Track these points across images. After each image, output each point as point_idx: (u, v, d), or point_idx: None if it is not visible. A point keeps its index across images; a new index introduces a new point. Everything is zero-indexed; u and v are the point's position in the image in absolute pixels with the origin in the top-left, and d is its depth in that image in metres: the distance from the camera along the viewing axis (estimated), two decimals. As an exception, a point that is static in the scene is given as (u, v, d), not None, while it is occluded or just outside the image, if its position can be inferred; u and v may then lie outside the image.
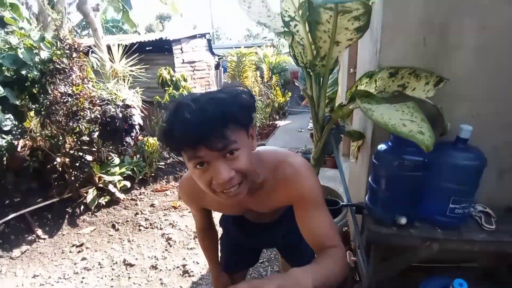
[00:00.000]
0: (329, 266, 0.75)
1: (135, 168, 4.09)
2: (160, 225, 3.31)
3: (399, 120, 1.16)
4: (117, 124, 3.66)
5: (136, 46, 5.53)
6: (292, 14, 1.46)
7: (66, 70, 3.19)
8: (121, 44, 5.07)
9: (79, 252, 2.92)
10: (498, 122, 1.71)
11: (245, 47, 6.17)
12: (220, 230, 1.45)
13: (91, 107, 3.43)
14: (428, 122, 1.18)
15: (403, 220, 1.56)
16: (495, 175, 1.83)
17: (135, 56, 5.11)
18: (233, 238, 1.42)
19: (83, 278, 2.59)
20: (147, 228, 3.28)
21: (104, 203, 3.61)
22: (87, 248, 2.97)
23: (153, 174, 4.37)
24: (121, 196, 3.77)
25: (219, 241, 1.43)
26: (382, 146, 1.60)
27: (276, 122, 8.12)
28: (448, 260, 1.86)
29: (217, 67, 8.60)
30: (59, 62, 3.16)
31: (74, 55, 3.28)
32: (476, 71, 1.64)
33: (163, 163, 4.70)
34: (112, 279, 2.56)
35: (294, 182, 0.88)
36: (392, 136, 1.57)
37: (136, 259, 2.77)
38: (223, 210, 1.19)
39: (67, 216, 3.42)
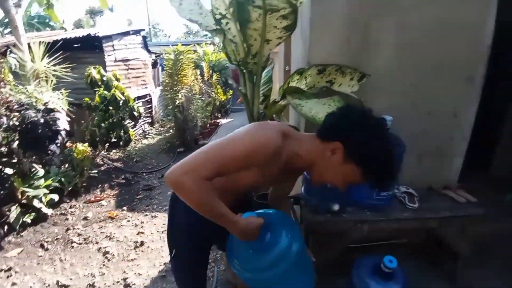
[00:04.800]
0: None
1: (63, 179, 3.70)
2: (96, 239, 3.05)
3: (326, 114, 1.23)
4: (39, 131, 3.29)
5: (60, 43, 5.02)
6: (223, 12, 1.45)
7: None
8: (43, 42, 4.54)
9: (8, 277, 2.56)
10: (415, 112, 1.94)
11: (183, 44, 5.98)
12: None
13: (8, 113, 3.02)
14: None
15: (336, 207, 1.68)
16: (415, 159, 2.07)
17: (59, 54, 4.61)
18: (204, 238, 1.21)
19: (12, 305, 2.28)
20: (80, 244, 2.99)
21: (29, 221, 3.20)
22: (16, 272, 2.61)
23: (85, 184, 4.01)
24: (48, 211, 3.38)
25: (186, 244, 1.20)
26: (314, 140, 1.69)
27: (218, 121, 8.08)
28: (380, 239, 2.04)
29: (154, 65, 8.23)
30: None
31: (-12, 56, 2.86)
32: (395, 67, 1.83)
33: (96, 171, 4.35)
34: (44, 304, 2.30)
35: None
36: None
37: (71, 279, 2.51)
38: (266, 175, 1.04)
39: (-10, 239, 2.98)
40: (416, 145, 2.00)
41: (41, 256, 2.85)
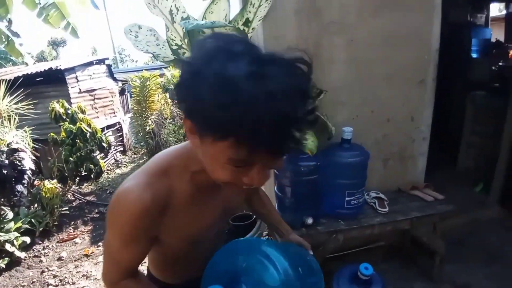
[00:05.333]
0: None
1: (33, 220, 3.53)
2: (72, 279, 2.90)
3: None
4: (5, 172, 3.15)
5: (21, 79, 4.86)
6: (179, 43, 1.49)
7: None
8: (4, 80, 4.37)
9: None
10: (374, 120, 2.04)
11: (151, 69, 5.97)
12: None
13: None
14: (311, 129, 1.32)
15: (310, 220, 1.71)
16: (381, 164, 2.16)
17: (20, 91, 4.45)
18: None
19: None
20: (57, 286, 2.84)
21: (3, 266, 3.04)
22: None
23: (56, 223, 3.84)
24: (21, 254, 3.21)
25: None
26: (281, 156, 1.73)
27: (194, 142, 8.01)
28: (357, 245, 2.08)
29: (122, 92, 8.09)
30: None
31: None
32: (350, 80, 1.92)
33: (67, 208, 4.16)
34: None
35: None
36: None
37: (48, 324, 2.38)
38: (197, 221, 0.76)
39: (-39, 290, 2.77)
40: (380, 151, 2.10)
41: (16, 304, 2.67)
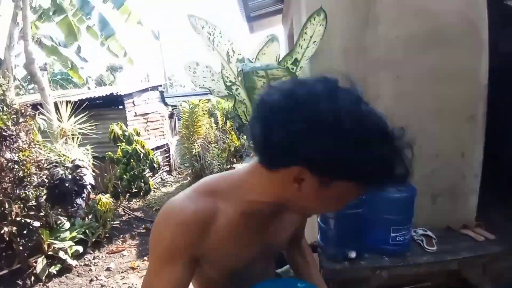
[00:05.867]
0: None
1: (87, 231, 3.86)
2: (118, 290, 3.10)
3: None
4: (67, 186, 3.50)
5: (86, 102, 5.42)
6: (232, 80, 1.65)
7: (13, 136, 3.06)
8: (70, 101, 4.94)
9: None
10: (422, 154, 1.99)
11: (197, 94, 6.37)
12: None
13: (38, 171, 3.27)
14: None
15: (353, 254, 1.69)
16: (430, 200, 2.09)
17: (85, 113, 5.00)
18: None
19: None
20: (104, 295, 3.05)
21: (55, 272, 3.30)
22: None
23: (107, 235, 4.14)
24: (73, 262, 3.49)
25: None
26: (325, 189, 1.76)
27: (234, 165, 8.23)
28: (402, 283, 1.99)
29: (171, 116, 8.68)
30: (5, 129, 3.03)
31: (21, 120, 3.18)
32: (396, 115, 1.86)
33: (118, 222, 4.48)
34: None
35: None
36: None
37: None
38: (239, 251, 0.74)
39: (18, 289, 3.08)
40: (428, 186, 2.03)
41: (66, 308, 2.89)
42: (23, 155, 3.14)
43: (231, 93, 1.66)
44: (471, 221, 2.09)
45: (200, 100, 5.88)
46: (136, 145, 4.54)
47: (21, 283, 3.16)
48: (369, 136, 0.51)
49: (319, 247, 1.86)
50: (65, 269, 3.44)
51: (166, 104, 8.08)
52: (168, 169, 7.88)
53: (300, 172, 0.55)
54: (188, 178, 6.45)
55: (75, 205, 3.69)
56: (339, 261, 1.70)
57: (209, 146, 6.07)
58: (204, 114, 5.92)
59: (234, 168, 7.86)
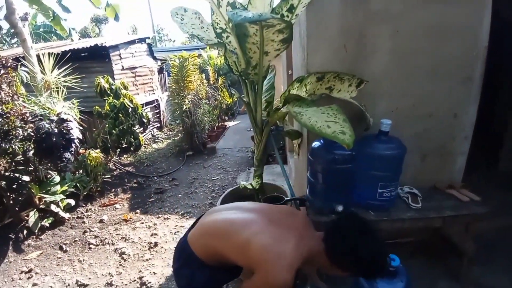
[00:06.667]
0: None
1: (78, 184, 3.87)
2: (112, 240, 3.18)
3: (324, 122, 1.29)
4: (54, 140, 3.43)
5: (69, 54, 5.17)
6: (223, 26, 1.53)
7: (-6, 88, 2.91)
8: (52, 54, 4.69)
9: (28, 278, 2.71)
10: (416, 113, 1.98)
11: (188, 49, 6.09)
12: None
13: (23, 125, 3.17)
14: (349, 122, 1.33)
15: (340, 208, 1.73)
16: (419, 159, 2.11)
17: (69, 65, 4.77)
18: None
19: (34, 305, 2.42)
20: (97, 245, 3.13)
21: (48, 225, 3.36)
22: (36, 273, 2.76)
23: (99, 189, 4.17)
24: (65, 215, 3.54)
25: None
26: (316, 144, 1.76)
27: (226, 123, 8.18)
28: (385, 238, 2.07)
29: (160, 71, 8.38)
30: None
31: (2, 71, 3.00)
32: (392, 71, 1.87)
33: (109, 176, 4.49)
34: (64, 303, 2.42)
35: None
36: (323, 134, 1.72)
37: (90, 278, 2.65)
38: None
39: (11, 243, 3.14)
40: (419, 145, 2.04)
41: (60, 257, 2.99)
42: (6, 108, 3.01)
43: (221, 41, 1.55)
44: (458, 182, 2.13)
45: (190, 54, 5.62)
46: (124, 99, 4.40)
47: (13, 236, 3.21)
48: (368, 260, 1.11)
49: (307, 200, 1.90)
50: (58, 222, 3.49)
51: (155, 58, 7.74)
52: (158, 125, 7.79)
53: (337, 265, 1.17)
54: (179, 134, 6.40)
55: (63, 159, 3.66)
56: (325, 214, 1.74)
57: (200, 102, 5.93)
58: (195, 69, 5.69)
59: (225, 125, 7.85)
